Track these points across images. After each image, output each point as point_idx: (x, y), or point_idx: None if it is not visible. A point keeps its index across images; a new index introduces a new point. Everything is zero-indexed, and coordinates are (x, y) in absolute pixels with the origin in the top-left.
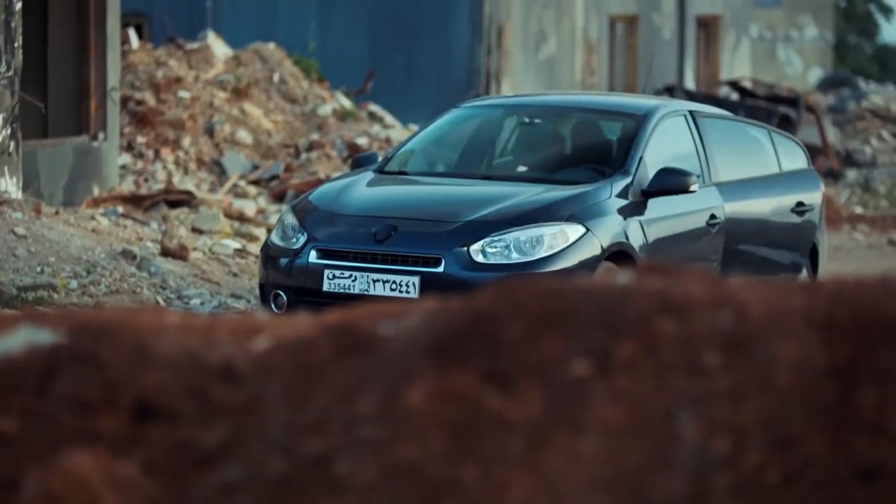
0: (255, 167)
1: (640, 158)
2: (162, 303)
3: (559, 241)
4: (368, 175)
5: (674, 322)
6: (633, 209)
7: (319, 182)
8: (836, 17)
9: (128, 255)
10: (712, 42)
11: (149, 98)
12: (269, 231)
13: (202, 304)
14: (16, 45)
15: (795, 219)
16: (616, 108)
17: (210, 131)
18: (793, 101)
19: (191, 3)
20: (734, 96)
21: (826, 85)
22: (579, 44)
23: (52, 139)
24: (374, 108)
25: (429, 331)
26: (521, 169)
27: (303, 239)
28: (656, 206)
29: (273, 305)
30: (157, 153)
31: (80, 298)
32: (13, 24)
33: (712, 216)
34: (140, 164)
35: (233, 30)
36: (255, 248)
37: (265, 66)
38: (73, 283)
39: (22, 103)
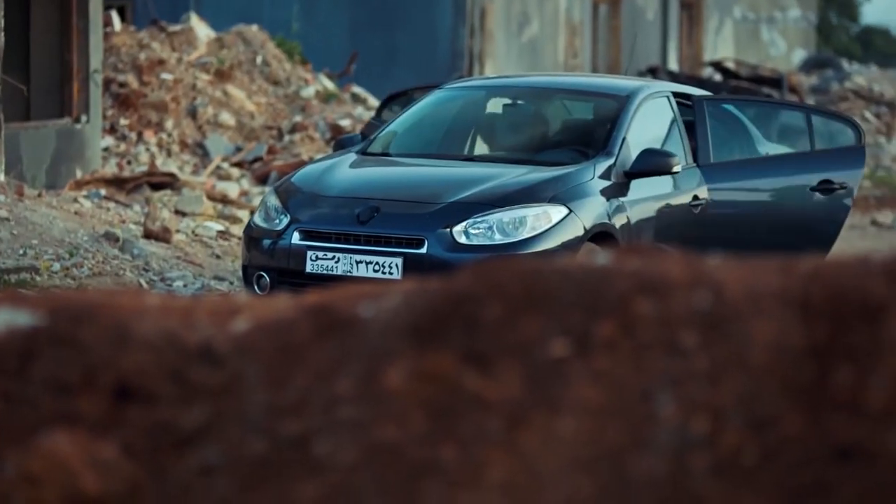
0: (238, 149)
1: (623, 139)
2: (145, 285)
3: (542, 222)
4: (351, 156)
5: (652, 302)
6: (616, 190)
7: (302, 164)
8: None
9: (110, 238)
10: (695, 23)
11: (131, 80)
12: (252, 213)
13: (185, 286)
14: None
15: (817, 198)
16: (599, 90)
17: (193, 113)
18: (776, 81)
19: None
20: (717, 77)
21: (809, 66)
22: (562, 26)
23: (34, 122)
24: (357, 89)
25: (408, 312)
26: (504, 150)
27: (286, 220)
28: (639, 187)
29: (256, 287)
30: (139, 135)
31: (63, 281)
32: None
33: (695, 197)
34: (123, 147)
35: (216, 12)
36: (238, 230)
37: (248, 49)
38: (56, 266)
39: (4, 86)
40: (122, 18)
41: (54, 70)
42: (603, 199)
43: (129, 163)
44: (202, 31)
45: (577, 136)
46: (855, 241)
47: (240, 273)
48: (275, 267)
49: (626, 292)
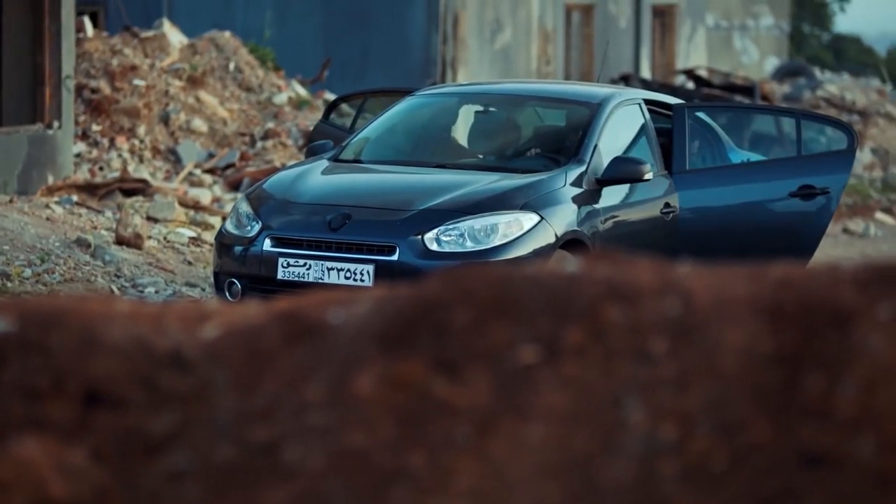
0: (211, 155)
1: (595, 147)
2: (116, 291)
3: (513, 229)
4: (323, 163)
5: (621, 309)
6: (588, 198)
7: (275, 170)
8: (791, 6)
9: (82, 244)
10: (668, 31)
11: (104, 86)
12: (224, 219)
13: (156, 292)
14: None
15: (798, 204)
16: (571, 97)
17: (165, 120)
18: (748, 89)
19: None
20: (690, 85)
21: (782, 74)
22: (535, 33)
23: (6, 127)
24: (329, 96)
25: (377, 318)
26: (476, 157)
27: (257, 227)
28: (610, 194)
29: (227, 294)
30: (111, 141)
31: (35, 287)
32: None
33: (667, 205)
34: (95, 153)
35: (188, 18)
36: (209, 237)
37: (220, 55)
38: (28, 272)
39: None
40: (95, 24)
41: (26, 76)
42: (574, 206)
43: (101, 169)
44: (175, 37)
45: (549, 143)
46: (826, 248)
47: (211, 279)
48: (246, 274)
49: (595, 299)
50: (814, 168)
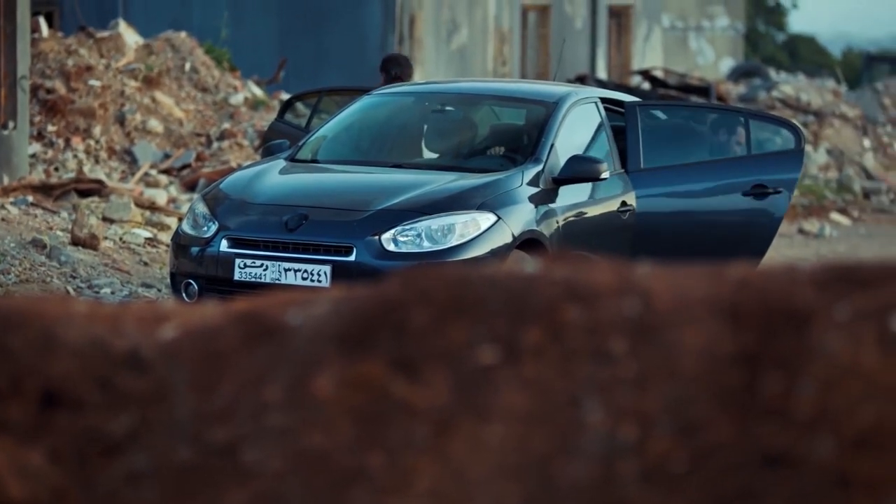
0: (167, 156)
1: (552, 146)
2: (72, 292)
3: (470, 229)
4: (280, 163)
5: (580, 309)
6: (545, 197)
7: (231, 171)
8: (747, 7)
9: (38, 245)
10: (624, 31)
11: (59, 86)
12: (181, 220)
13: (112, 293)
14: None
15: (751, 203)
16: (527, 96)
17: (121, 120)
18: (704, 90)
19: None
20: (646, 86)
21: (737, 74)
22: (491, 33)
23: None
24: (285, 96)
25: (336, 319)
26: (433, 157)
27: (214, 228)
28: (567, 193)
29: (184, 294)
30: (67, 142)
31: None
32: None
33: (623, 203)
34: (50, 153)
35: (144, 18)
36: (166, 238)
37: (176, 55)
38: None
39: None
40: (50, 24)
41: None
42: (531, 205)
43: (56, 169)
44: (130, 37)
45: (505, 142)
46: (782, 249)
47: (168, 280)
48: (203, 274)
49: (554, 299)
50: (765, 167)
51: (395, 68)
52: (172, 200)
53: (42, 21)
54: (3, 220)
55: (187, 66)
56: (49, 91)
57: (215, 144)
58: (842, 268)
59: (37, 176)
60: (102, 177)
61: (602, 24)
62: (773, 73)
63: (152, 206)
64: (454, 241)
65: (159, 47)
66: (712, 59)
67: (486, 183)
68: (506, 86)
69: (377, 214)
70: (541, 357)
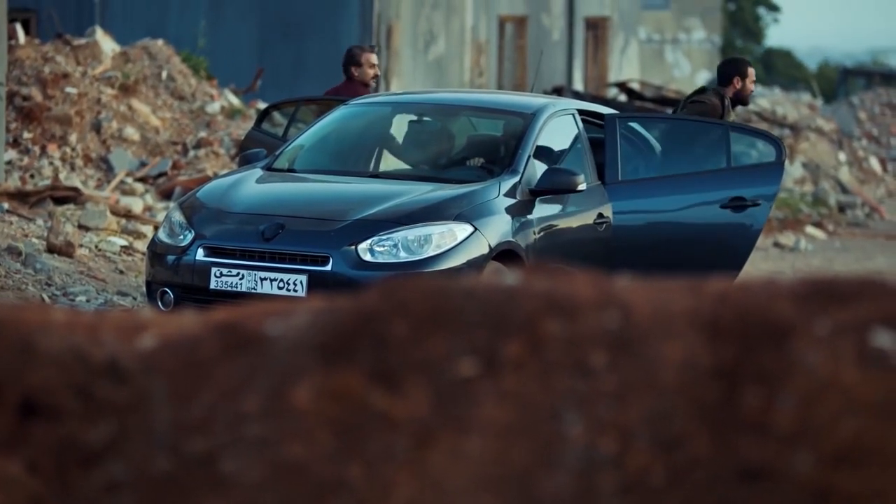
0: (143, 164)
1: (529, 157)
2: (47, 300)
3: (447, 240)
4: (257, 172)
5: (560, 322)
6: (521, 208)
7: (207, 179)
8: (723, 20)
9: (13, 252)
10: (601, 44)
11: (35, 94)
12: (157, 228)
13: (88, 301)
14: None
15: (729, 216)
16: (504, 107)
17: (97, 128)
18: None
19: None
20: (622, 98)
21: None
22: (468, 44)
23: None
24: (262, 105)
25: (315, 330)
26: (410, 167)
27: (190, 236)
28: (544, 205)
29: (160, 303)
30: (43, 149)
31: None
32: None
33: (600, 215)
34: (26, 160)
35: (122, 26)
36: (141, 246)
37: (153, 63)
38: None
39: None
40: (27, 31)
41: None
42: (508, 217)
43: (32, 176)
44: (107, 45)
45: (482, 153)
46: (758, 262)
47: (143, 289)
48: (179, 283)
49: (533, 312)
50: (743, 180)
51: (356, 69)
52: (148, 209)
53: (19, 28)
54: None
55: (164, 75)
56: (25, 98)
57: (192, 153)
58: (821, 282)
59: (12, 183)
60: (78, 184)
61: (579, 36)
62: None
63: (128, 214)
64: (431, 252)
65: (136, 55)
66: (688, 71)
67: (463, 194)
68: (483, 97)
69: (354, 224)
70: (520, 370)
